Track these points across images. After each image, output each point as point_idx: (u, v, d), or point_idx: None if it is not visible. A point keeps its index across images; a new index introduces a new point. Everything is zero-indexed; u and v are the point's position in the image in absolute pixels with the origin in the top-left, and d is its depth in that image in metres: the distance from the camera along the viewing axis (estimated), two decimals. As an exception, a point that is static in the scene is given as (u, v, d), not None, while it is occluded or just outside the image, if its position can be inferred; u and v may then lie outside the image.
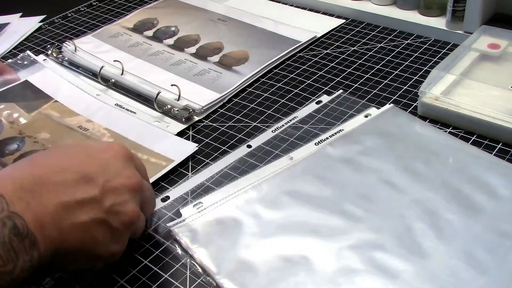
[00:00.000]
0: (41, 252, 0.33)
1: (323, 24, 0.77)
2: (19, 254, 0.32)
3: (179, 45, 0.74)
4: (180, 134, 0.57)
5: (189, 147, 0.54)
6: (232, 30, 0.77)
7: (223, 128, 0.58)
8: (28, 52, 0.75)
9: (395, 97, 0.60)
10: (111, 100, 0.64)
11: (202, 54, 0.71)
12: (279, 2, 0.85)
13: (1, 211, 0.32)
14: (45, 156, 0.38)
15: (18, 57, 0.74)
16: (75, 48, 0.73)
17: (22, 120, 0.61)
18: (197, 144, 0.54)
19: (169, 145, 0.55)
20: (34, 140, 0.57)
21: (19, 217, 0.33)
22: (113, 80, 0.67)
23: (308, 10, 0.82)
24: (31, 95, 0.65)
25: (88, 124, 0.59)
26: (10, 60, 0.74)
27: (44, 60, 0.73)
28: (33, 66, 0.72)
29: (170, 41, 0.75)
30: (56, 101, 0.64)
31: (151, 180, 0.49)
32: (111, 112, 0.61)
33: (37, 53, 0.76)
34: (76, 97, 0.64)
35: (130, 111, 0.61)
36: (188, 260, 0.43)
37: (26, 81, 0.67)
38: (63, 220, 0.35)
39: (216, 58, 0.70)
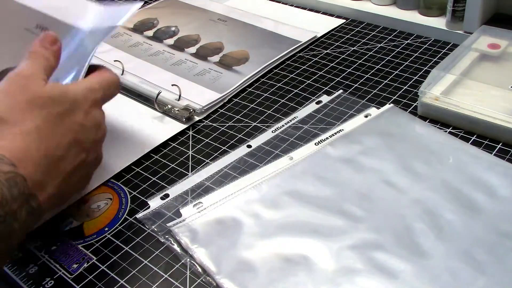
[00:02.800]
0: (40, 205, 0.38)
1: (323, 24, 0.77)
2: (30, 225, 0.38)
3: (180, 45, 0.74)
4: (180, 134, 0.58)
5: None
6: (232, 30, 0.77)
7: (223, 128, 0.58)
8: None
9: (395, 97, 0.60)
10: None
11: (202, 54, 0.71)
12: (279, 2, 0.85)
13: (20, 197, 0.36)
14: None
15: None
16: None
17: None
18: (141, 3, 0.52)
19: None
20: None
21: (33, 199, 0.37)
22: (113, 80, 0.67)
23: (308, 10, 0.82)
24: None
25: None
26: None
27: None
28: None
29: (171, 41, 0.75)
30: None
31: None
32: None
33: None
34: None
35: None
36: (188, 260, 0.43)
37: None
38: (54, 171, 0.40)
39: (216, 58, 0.70)
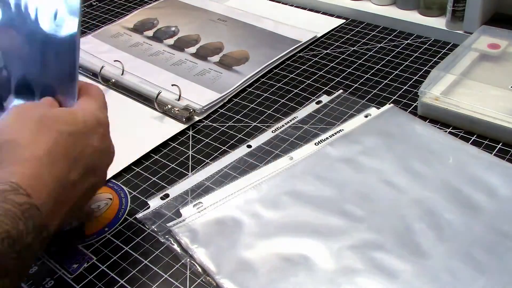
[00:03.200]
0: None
1: (323, 24, 0.77)
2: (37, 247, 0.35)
3: (180, 45, 0.74)
4: (180, 134, 0.58)
5: None
6: (232, 30, 0.77)
7: (223, 128, 0.58)
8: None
9: (395, 97, 0.60)
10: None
11: (202, 54, 0.71)
12: (279, 2, 0.85)
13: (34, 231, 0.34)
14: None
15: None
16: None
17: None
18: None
19: None
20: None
21: (46, 229, 0.35)
22: (113, 80, 0.67)
23: (308, 10, 0.82)
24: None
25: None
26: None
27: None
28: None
29: (171, 41, 0.75)
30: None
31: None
32: None
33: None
34: None
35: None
36: (188, 260, 0.43)
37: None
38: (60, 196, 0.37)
39: (216, 58, 0.70)
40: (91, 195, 0.43)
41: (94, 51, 0.74)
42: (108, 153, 0.43)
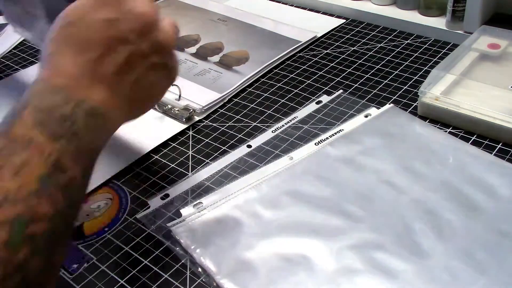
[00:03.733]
0: (115, 121, 0.37)
1: (323, 24, 0.77)
2: (99, 133, 0.35)
3: (180, 45, 0.74)
4: (180, 134, 0.57)
5: None
6: (232, 30, 0.77)
7: (223, 128, 0.58)
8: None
9: (395, 97, 0.60)
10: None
11: (202, 54, 0.71)
12: (279, 2, 0.85)
13: (67, 101, 0.33)
14: (65, 41, 0.37)
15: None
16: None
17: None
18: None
19: None
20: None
21: (85, 101, 0.34)
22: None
23: (308, 10, 0.82)
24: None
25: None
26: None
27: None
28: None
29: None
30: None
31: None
32: None
33: (37, 53, 0.76)
34: None
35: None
36: (188, 260, 0.43)
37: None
38: (119, 86, 0.37)
39: (216, 58, 0.70)
40: (149, 73, 0.39)
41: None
42: (131, 18, 0.38)
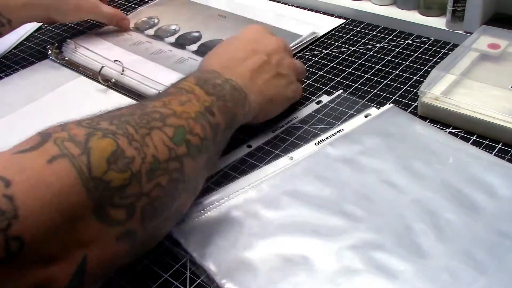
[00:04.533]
0: (250, 102, 0.49)
1: (323, 24, 0.77)
2: (239, 103, 0.47)
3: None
4: (180, 134, 0.57)
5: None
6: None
7: (223, 128, 0.58)
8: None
9: (395, 97, 0.60)
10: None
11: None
12: (279, 2, 0.85)
13: (219, 77, 0.47)
14: (220, 49, 0.55)
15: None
16: (75, 47, 0.74)
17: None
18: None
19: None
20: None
21: (231, 80, 0.48)
22: (113, 80, 0.67)
23: (308, 10, 0.82)
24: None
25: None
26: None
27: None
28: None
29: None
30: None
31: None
32: None
33: (37, 53, 0.76)
34: None
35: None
36: (188, 260, 0.43)
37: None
38: (254, 80, 0.50)
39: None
40: (281, 87, 0.54)
41: (95, 50, 0.73)
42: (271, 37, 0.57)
